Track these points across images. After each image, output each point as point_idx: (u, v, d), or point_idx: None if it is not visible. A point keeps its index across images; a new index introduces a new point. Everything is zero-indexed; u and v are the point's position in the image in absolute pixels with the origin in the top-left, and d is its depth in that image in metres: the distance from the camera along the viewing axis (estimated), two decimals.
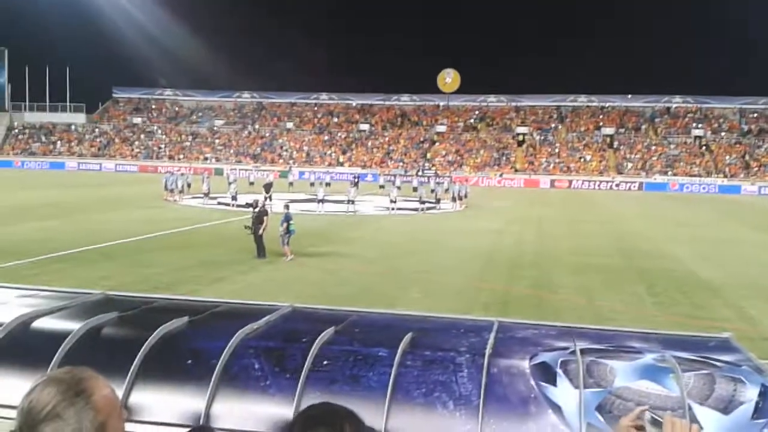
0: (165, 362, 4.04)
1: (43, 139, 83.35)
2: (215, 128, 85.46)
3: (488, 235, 26.01)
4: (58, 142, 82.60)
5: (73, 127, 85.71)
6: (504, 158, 74.34)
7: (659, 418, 1.91)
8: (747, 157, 70.33)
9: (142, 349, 4.04)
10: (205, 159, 77.79)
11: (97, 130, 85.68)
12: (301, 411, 1.55)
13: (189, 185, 42.28)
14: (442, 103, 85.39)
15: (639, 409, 1.99)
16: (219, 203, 36.73)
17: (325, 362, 3.92)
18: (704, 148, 73.49)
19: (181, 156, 78.94)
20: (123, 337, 4.41)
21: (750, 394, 3.62)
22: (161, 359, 4.05)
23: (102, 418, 1.52)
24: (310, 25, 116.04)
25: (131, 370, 3.93)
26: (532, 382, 3.78)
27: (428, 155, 75.99)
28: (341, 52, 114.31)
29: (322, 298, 14.22)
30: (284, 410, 3.66)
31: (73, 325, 4.31)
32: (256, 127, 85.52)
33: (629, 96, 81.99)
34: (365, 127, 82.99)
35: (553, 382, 3.75)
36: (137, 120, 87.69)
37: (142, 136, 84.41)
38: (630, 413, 1.99)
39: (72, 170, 73.57)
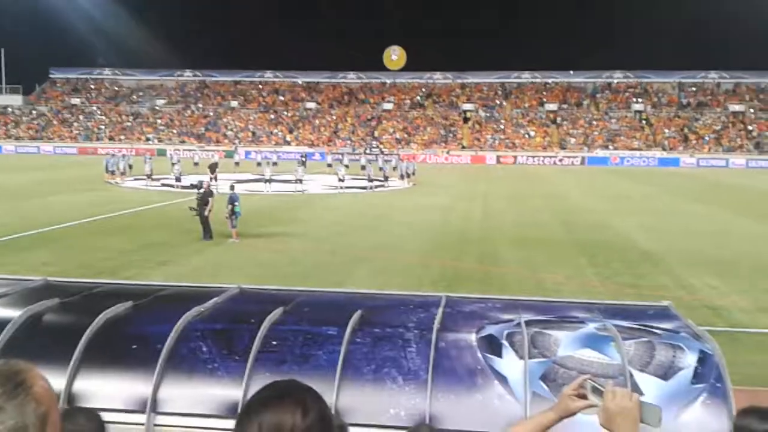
0: (109, 348, 3.97)
1: None
2: (157, 108, 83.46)
3: (436, 212, 26.21)
4: None
5: (9, 109, 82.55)
6: (451, 135, 74.79)
7: (601, 387, 1.96)
8: (686, 130, 72.35)
9: (85, 336, 3.97)
10: (147, 140, 76.02)
11: (34, 111, 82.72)
12: (261, 388, 1.54)
13: (131, 167, 41.29)
14: (388, 81, 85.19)
15: (581, 378, 2.04)
16: (163, 185, 36.02)
17: (274, 342, 3.91)
18: (644, 122, 75.28)
19: (122, 137, 76.95)
20: (65, 324, 4.32)
21: (689, 360, 3.77)
22: (105, 345, 3.98)
23: (44, 409, 1.48)
24: (253, 3, 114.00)
25: (74, 356, 3.86)
26: (479, 355, 3.85)
27: (376, 133, 75.90)
28: (286, 29, 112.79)
29: (272, 279, 14.13)
30: (233, 392, 3.64)
31: (13, 313, 4.20)
32: (200, 106, 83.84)
33: (571, 72, 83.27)
34: (312, 105, 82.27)
35: (499, 354, 3.83)
36: (76, 101, 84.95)
37: (81, 117, 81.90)
38: (572, 382, 2.04)
39: (9, 153, 70.95)
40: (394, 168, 44.39)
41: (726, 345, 9.11)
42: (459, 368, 3.76)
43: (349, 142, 73.32)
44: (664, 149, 69.22)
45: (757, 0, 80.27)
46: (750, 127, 71.46)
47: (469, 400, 3.63)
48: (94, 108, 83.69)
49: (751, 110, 74.53)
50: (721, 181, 45.54)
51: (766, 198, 34.19)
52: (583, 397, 2.04)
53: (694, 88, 79.86)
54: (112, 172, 37.63)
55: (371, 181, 37.26)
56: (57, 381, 3.77)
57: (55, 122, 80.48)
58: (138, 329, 4.10)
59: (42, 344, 4.08)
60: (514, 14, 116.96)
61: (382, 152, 60.70)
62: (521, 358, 3.75)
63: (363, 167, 43.58)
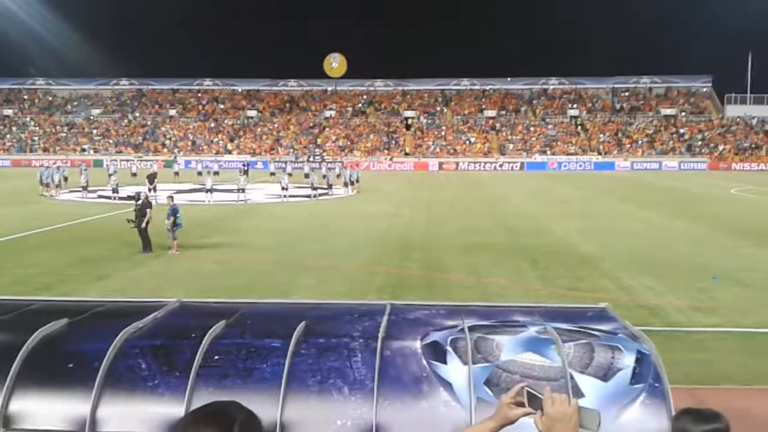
0: (45, 367, 3.85)
1: None
2: (92, 118, 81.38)
3: (380, 219, 26.28)
4: None
5: None
6: (393, 142, 75.19)
7: (539, 394, 2.00)
8: (620, 135, 74.51)
9: (20, 354, 3.84)
10: (83, 150, 74.02)
11: None
12: (186, 414, 1.52)
13: (66, 179, 40.13)
14: (329, 88, 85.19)
15: (518, 386, 2.07)
16: (99, 196, 35.11)
17: (216, 357, 3.85)
18: (579, 127, 77.22)
19: (57, 148, 74.73)
20: None
21: (627, 360, 3.87)
22: (41, 364, 3.86)
23: None
24: (190, 8, 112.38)
25: (9, 376, 3.73)
26: (424, 362, 3.87)
27: (318, 141, 75.70)
28: (224, 36, 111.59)
29: (214, 291, 13.93)
30: (175, 409, 3.57)
31: None
32: (137, 115, 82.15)
33: (509, 79, 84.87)
34: (253, 113, 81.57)
35: (444, 360, 3.86)
36: (8, 112, 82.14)
37: (14, 128, 79.21)
38: (510, 391, 2.07)
39: None
40: (338, 176, 44.36)
41: (664, 344, 9.40)
42: (405, 376, 3.77)
43: (291, 150, 72.92)
44: (599, 153, 71.12)
45: (686, 6, 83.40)
46: (682, 131, 74.08)
47: (415, 407, 3.64)
48: (28, 119, 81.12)
49: (683, 113, 77.32)
50: (654, 184, 47.02)
51: (698, 199, 35.46)
52: (521, 404, 2.07)
53: (627, 93, 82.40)
54: (47, 185, 36.50)
55: (315, 189, 37.15)
56: None
57: None
58: (74, 347, 3.98)
59: None
60: (453, 22, 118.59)
61: (323, 160, 60.56)
62: (465, 363, 3.79)
63: (306, 175, 43.44)
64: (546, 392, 2.01)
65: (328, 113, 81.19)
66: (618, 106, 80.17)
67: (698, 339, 11.12)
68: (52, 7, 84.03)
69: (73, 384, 3.72)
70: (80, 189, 35.72)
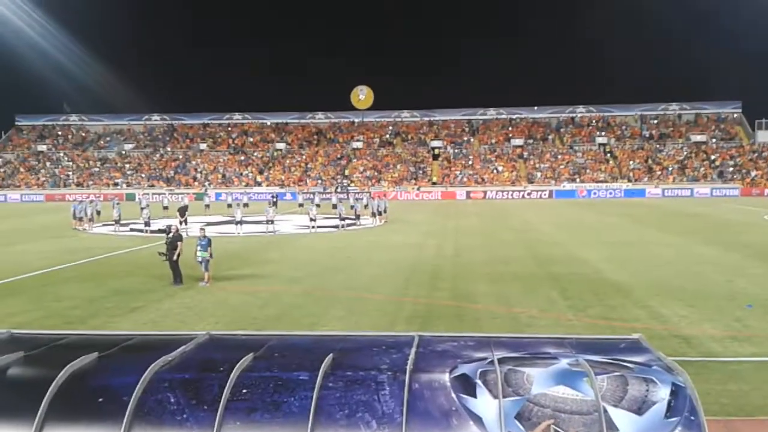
0: (75, 402, 3.86)
1: None
2: (125, 152, 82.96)
3: (408, 249, 26.23)
4: None
5: None
6: (420, 172, 75.35)
7: None
8: (650, 162, 73.80)
9: (50, 389, 3.86)
10: (116, 184, 75.36)
11: (0, 159, 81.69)
12: None
13: (98, 212, 40.80)
14: (357, 120, 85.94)
15: (545, 423, 2.03)
16: (131, 230, 35.60)
17: (244, 390, 3.84)
18: (608, 154, 76.69)
19: (90, 182, 76.22)
20: (29, 378, 4.20)
21: (662, 393, 3.77)
22: (71, 399, 3.87)
23: None
24: (220, 45, 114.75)
25: (39, 411, 3.75)
26: (453, 395, 3.81)
27: (346, 172, 76.16)
28: (254, 70, 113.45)
29: (243, 322, 13.96)
30: None
31: None
32: (168, 149, 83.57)
33: (536, 108, 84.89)
34: (281, 145, 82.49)
35: (473, 394, 3.80)
36: (42, 147, 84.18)
37: (48, 163, 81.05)
38: (536, 428, 2.03)
39: None
40: (366, 206, 44.46)
41: (699, 375, 9.21)
42: (433, 410, 3.72)
43: (319, 181, 73.42)
44: (629, 181, 70.46)
45: (713, 33, 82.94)
46: (712, 157, 73.16)
47: None
48: (61, 154, 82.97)
49: (713, 140, 76.46)
50: (685, 210, 46.37)
51: (731, 226, 34.85)
52: None
53: (655, 120, 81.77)
54: (80, 219, 37.12)
55: (343, 219, 37.26)
56: None
57: (21, 169, 79.54)
58: (104, 381, 4.00)
59: (7, 399, 3.96)
60: (479, 53, 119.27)
61: (347, 190, 60.93)
62: (495, 397, 3.73)
63: (334, 206, 43.60)
64: (571, 430, 1.97)
65: (355, 144, 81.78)
66: (647, 134, 79.56)
67: (734, 369, 10.83)
68: (84, 45, 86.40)
69: (103, 419, 3.73)
70: (113, 222, 36.24)
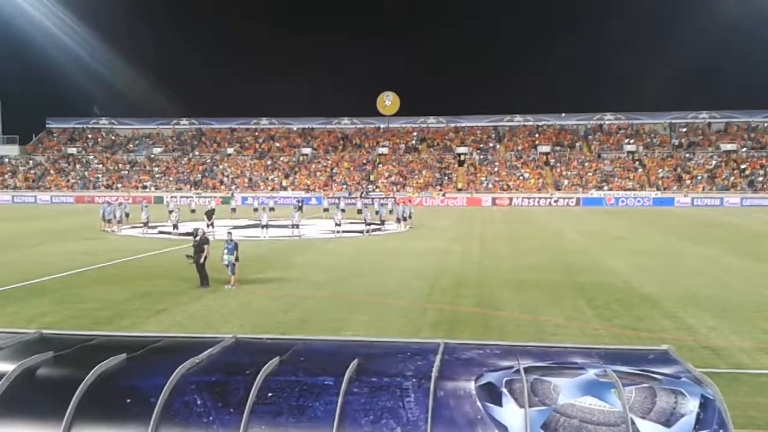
0: (103, 402, 3.91)
1: None
2: (153, 156, 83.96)
3: (433, 255, 26.18)
4: None
5: (6, 159, 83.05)
6: (446, 178, 75.20)
7: None
8: (679, 170, 72.89)
9: (78, 390, 3.91)
10: (144, 187, 76.27)
11: (31, 161, 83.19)
12: None
13: (127, 215, 41.31)
14: (382, 126, 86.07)
15: None
16: (160, 232, 35.98)
17: (269, 394, 3.85)
18: (637, 162, 75.88)
19: (119, 185, 77.25)
20: (59, 378, 4.25)
21: (691, 405, 3.71)
22: (99, 399, 3.92)
23: None
24: (248, 49, 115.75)
25: (68, 411, 3.80)
26: (479, 404, 3.79)
27: (371, 177, 76.29)
28: (280, 76, 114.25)
29: (268, 326, 14.04)
30: None
31: (7, 367, 4.15)
32: (196, 153, 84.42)
33: (563, 114, 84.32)
34: (307, 150, 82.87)
35: (499, 403, 3.77)
36: (72, 150, 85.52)
37: (78, 166, 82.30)
38: None
39: (6, 204, 71.08)
40: (391, 211, 44.47)
41: (728, 387, 9.05)
42: (458, 418, 3.70)
43: (345, 186, 73.62)
44: (658, 189, 69.63)
45: (744, 40, 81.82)
46: (743, 166, 72.04)
47: None
48: (91, 157, 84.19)
49: (743, 149, 75.28)
50: (715, 220, 45.69)
51: (761, 237, 34.26)
52: None
53: (685, 128, 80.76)
54: (109, 221, 37.58)
55: (368, 225, 37.30)
56: None
57: (52, 172, 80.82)
58: (132, 382, 4.04)
59: (36, 399, 4.02)
60: (505, 58, 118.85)
61: (362, 195, 61.19)
62: (521, 406, 3.70)
63: (359, 211, 43.69)
64: None
65: (380, 150, 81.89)
66: (676, 142, 78.59)
67: (763, 382, 10.64)
68: (115, 49, 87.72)
69: (130, 419, 3.77)
70: (141, 225, 36.67)
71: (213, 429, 3.68)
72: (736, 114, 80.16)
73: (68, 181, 78.95)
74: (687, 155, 75.77)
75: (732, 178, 70.29)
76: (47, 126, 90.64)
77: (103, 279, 20.47)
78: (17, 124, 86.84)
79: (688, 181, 70.71)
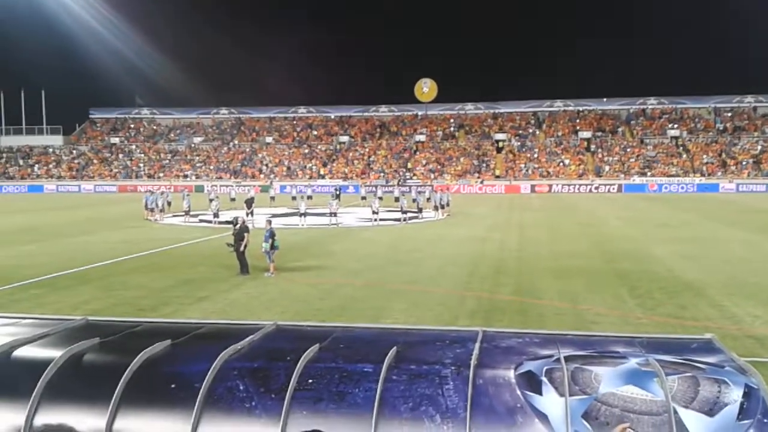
0: (148, 387, 4.00)
1: (21, 162, 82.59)
2: (194, 145, 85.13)
3: (471, 243, 26.07)
4: (36, 165, 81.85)
5: (50, 149, 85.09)
6: (484, 165, 74.70)
7: None
8: (723, 156, 71.20)
9: (124, 375, 4.00)
10: (185, 176, 77.41)
11: (74, 151, 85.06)
12: None
13: (169, 203, 41.98)
14: (420, 113, 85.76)
15: (620, 426, 1.99)
16: (201, 221, 36.51)
17: (310, 380, 3.90)
18: (681, 148, 74.33)
19: (161, 174, 78.53)
20: (105, 364, 4.36)
21: (734, 395, 3.65)
22: (144, 384, 4.01)
23: None
24: (287, 39, 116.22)
25: (114, 396, 3.89)
26: (518, 392, 3.78)
27: (409, 165, 76.17)
28: (318, 65, 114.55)
29: (307, 313, 14.16)
30: (271, 431, 3.63)
31: (55, 353, 4.26)
32: (236, 142, 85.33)
33: (605, 99, 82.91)
34: (345, 139, 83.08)
35: (539, 391, 3.76)
36: (115, 140, 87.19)
37: (121, 155, 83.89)
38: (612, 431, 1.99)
39: (50, 193, 72.88)
40: (428, 199, 44.39)
41: None
42: (498, 406, 3.70)
43: (382, 174, 73.66)
44: (702, 175, 68.16)
45: None
46: None
47: None
48: (133, 147, 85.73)
49: None
50: (761, 206, 44.56)
51: None
52: None
53: (730, 113, 78.77)
54: (152, 210, 38.25)
55: (405, 213, 37.28)
56: (98, 421, 3.81)
57: (95, 161, 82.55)
58: (176, 368, 4.13)
59: (82, 384, 4.12)
60: (545, 43, 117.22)
61: (405, 183, 61.14)
62: (562, 395, 3.68)
63: (397, 199, 43.68)
64: None
65: (418, 137, 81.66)
66: (721, 126, 76.72)
67: None
68: (155, 40, 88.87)
69: (175, 404, 3.85)
70: (183, 213, 37.25)
71: (255, 414, 3.75)
72: None
73: (111, 170, 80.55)
74: (732, 140, 73.95)
75: None
76: (90, 116, 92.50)
77: (145, 267, 20.88)
78: (61, 114, 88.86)
79: (733, 167, 69.04)
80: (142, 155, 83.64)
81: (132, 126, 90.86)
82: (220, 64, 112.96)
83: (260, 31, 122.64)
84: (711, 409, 3.57)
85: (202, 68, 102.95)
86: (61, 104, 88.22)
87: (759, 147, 71.86)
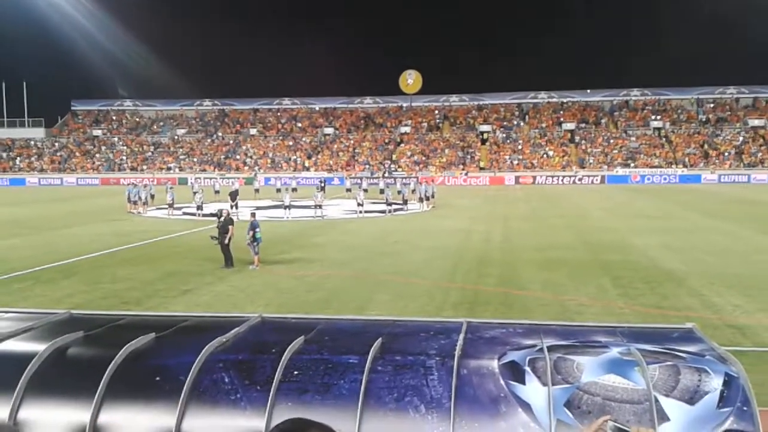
0: (133, 380, 3.99)
1: (2, 155, 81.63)
2: (177, 137, 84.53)
3: (456, 234, 26.16)
4: (18, 158, 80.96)
5: (32, 142, 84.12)
6: (468, 157, 74.83)
7: (625, 427, 1.94)
8: (706, 147, 71.80)
9: (109, 368, 3.99)
10: (168, 169, 76.89)
11: (56, 144, 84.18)
12: (271, 429, 1.56)
13: (153, 196, 41.74)
14: (405, 104, 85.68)
15: (601, 419, 2.02)
16: (184, 213, 36.34)
17: (295, 372, 3.92)
18: (664, 139, 74.85)
19: (144, 167, 77.95)
20: (89, 357, 4.35)
21: (714, 383, 3.71)
22: (129, 377, 4.00)
23: None
24: (270, 30, 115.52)
25: (99, 389, 3.89)
26: (502, 382, 3.82)
27: (394, 156, 76.15)
28: (302, 56, 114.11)
29: (292, 305, 14.18)
30: (256, 423, 3.65)
31: (38, 347, 4.25)
32: (219, 134, 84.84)
33: (588, 91, 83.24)
34: (329, 130, 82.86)
35: (522, 381, 3.80)
36: (97, 132, 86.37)
37: (103, 148, 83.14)
38: (592, 424, 2.03)
39: (33, 186, 72.16)
40: (413, 191, 44.44)
41: (753, 365, 8.97)
42: (482, 396, 3.73)
43: (367, 166, 73.60)
44: (684, 166, 68.71)
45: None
46: None
47: (493, 428, 3.59)
48: (116, 139, 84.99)
49: None
50: (742, 197, 45.04)
51: None
52: None
53: (712, 104, 79.39)
54: (135, 202, 38.02)
55: (390, 205, 37.32)
56: (82, 414, 3.80)
57: (77, 154, 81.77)
58: (161, 361, 4.12)
59: (67, 378, 4.11)
60: (529, 35, 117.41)
61: (391, 174, 61.16)
62: (544, 384, 3.72)
63: (382, 191, 43.71)
64: (632, 428, 1.95)
65: (403, 129, 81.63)
66: (703, 118, 77.32)
67: None
68: (137, 32, 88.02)
69: (160, 397, 3.85)
70: (166, 206, 37.05)
71: (241, 406, 3.76)
72: (765, 89, 78.56)
73: (93, 163, 79.84)
74: (715, 131, 74.59)
75: (760, 154, 69.11)
76: (72, 108, 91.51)
77: (130, 260, 20.77)
78: (42, 106, 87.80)
79: (715, 158, 69.66)
80: (125, 147, 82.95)
81: (114, 118, 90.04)
82: (203, 55, 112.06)
83: (243, 21, 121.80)
84: (691, 397, 3.63)
85: (185, 59, 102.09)
86: (42, 96, 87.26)
87: (741, 138, 72.53)
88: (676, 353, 4.02)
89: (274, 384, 3.79)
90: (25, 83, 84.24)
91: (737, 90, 79.39)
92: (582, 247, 22.60)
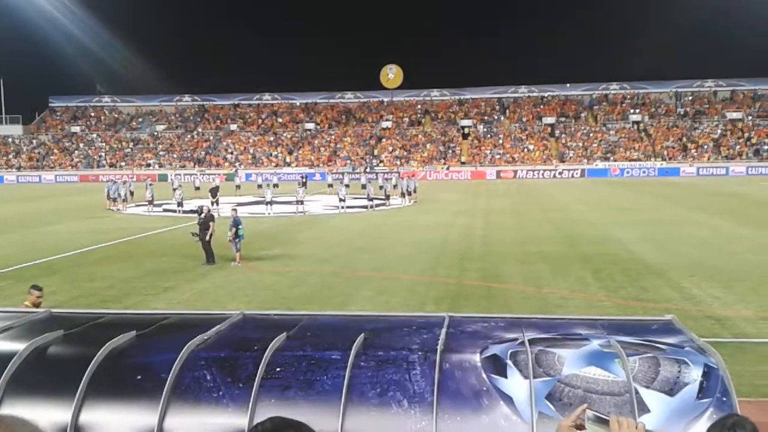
0: (114, 379, 3.96)
1: None
2: (157, 133, 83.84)
3: (438, 229, 26.22)
4: None
5: (9, 139, 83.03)
6: (450, 151, 74.98)
7: (604, 416, 1.96)
8: (684, 140, 72.50)
9: (89, 367, 3.96)
10: (148, 165, 76.26)
11: (34, 141, 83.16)
12: (250, 428, 1.56)
13: (132, 193, 41.39)
14: (386, 99, 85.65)
15: (580, 408, 2.04)
16: (165, 210, 36.08)
17: (278, 369, 3.90)
18: (643, 132, 75.49)
19: (123, 163, 77.26)
20: (70, 356, 4.31)
21: (694, 374, 3.75)
22: (110, 376, 3.97)
23: None
24: (250, 25, 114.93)
25: (80, 388, 3.85)
26: (484, 375, 3.84)
27: (375, 152, 76.11)
28: (283, 51, 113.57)
29: (275, 302, 14.13)
30: (238, 420, 3.64)
31: (18, 346, 4.20)
32: (199, 130, 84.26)
33: (568, 85, 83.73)
34: (310, 126, 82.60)
35: (504, 374, 3.82)
36: (76, 129, 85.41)
37: (82, 144, 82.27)
38: (570, 414, 2.04)
39: (11, 183, 71.27)
40: (395, 186, 44.45)
41: (732, 356, 9.11)
42: (464, 389, 3.75)
43: (348, 161, 73.49)
44: (663, 159, 69.34)
45: (751, 7, 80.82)
46: (748, 135, 71.61)
47: (475, 421, 3.61)
48: (94, 135, 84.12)
49: (749, 117, 74.78)
50: (720, 190, 45.56)
51: (766, 206, 34.17)
52: (581, 427, 2.04)
53: (690, 97, 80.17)
54: (114, 199, 37.70)
55: (372, 200, 37.32)
56: (63, 414, 3.77)
57: (55, 151, 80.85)
58: (142, 359, 4.10)
59: (47, 377, 4.08)
60: (509, 29, 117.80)
61: (373, 170, 61.11)
62: (526, 377, 3.74)
63: (363, 186, 43.69)
64: (612, 417, 1.98)
65: (384, 124, 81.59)
66: (682, 111, 78.06)
67: (767, 350, 10.70)
68: (116, 27, 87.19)
69: (142, 395, 3.83)
70: (146, 203, 36.77)
71: (223, 404, 3.74)
72: (742, 82, 79.49)
73: (72, 160, 78.99)
74: (693, 124, 75.32)
75: (738, 147, 69.94)
76: (50, 104, 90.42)
77: (110, 257, 20.59)
78: (20, 103, 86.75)
79: (694, 151, 70.37)
80: (104, 144, 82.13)
81: (93, 114, 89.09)
82: (182, 51, 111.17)
83: (222, 16, 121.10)
84: (671, 388, 3.67)
85: (164, 54, 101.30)
86: (20, 93, 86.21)
87: (719, 131, 73.33)
88: (656, 345, 4.07)
89: (256, 381, 3.78)
90: (1, 80, 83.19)
91: (715, 83, 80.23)
92: (563, 240, 22.75)
